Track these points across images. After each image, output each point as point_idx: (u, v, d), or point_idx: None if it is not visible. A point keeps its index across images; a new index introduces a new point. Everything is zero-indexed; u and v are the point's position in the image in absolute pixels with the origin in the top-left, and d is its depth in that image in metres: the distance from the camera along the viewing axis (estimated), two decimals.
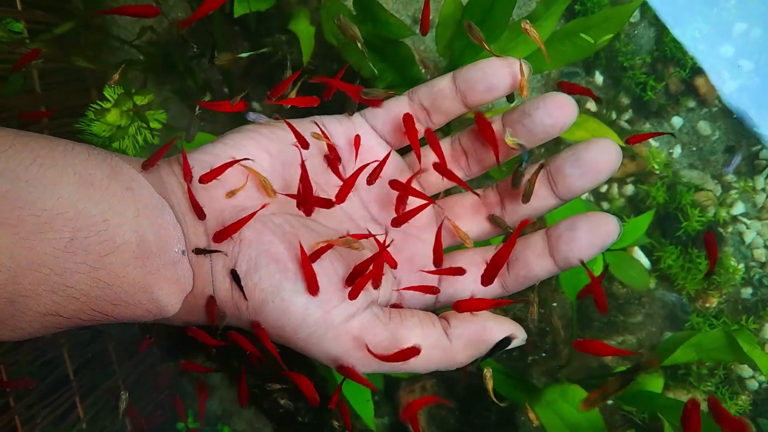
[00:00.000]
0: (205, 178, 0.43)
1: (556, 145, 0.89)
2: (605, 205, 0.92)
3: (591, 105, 0.92)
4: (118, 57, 0.85)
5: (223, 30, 0.80)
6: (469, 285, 0.47)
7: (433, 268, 0.47)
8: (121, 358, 0.85)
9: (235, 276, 0.41)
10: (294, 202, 0.45)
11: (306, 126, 0.48)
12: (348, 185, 0.45)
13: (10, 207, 0.35)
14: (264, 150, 0.46)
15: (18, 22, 0.72)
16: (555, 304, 0.90)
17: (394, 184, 0.45)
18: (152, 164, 0.43)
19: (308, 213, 0.44)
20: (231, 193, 0.44)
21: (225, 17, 0.78)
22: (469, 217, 0.49)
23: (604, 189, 0.92)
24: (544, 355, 0.89)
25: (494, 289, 0.47)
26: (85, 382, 0.80)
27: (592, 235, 0.43)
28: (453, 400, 0.90)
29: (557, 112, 0.43)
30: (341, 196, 0.44)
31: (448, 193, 0.52)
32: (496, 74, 0.45)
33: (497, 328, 0.44)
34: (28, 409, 0.71)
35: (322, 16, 0.75)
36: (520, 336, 0.45)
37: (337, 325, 0.42)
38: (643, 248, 0.90)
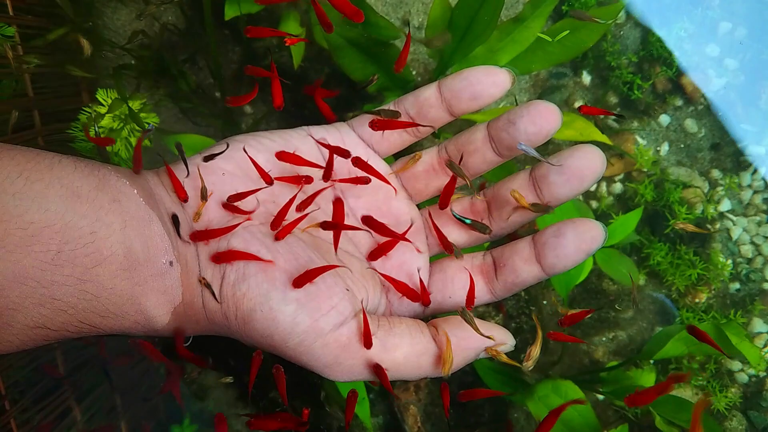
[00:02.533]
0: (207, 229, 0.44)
1: (545, 145, 0.90)
2: (594, 203, 0.93)
3: (579, 104, 0.93)
4: (111, 61, 0.85)
5: (215, 34, 0.81)
6: (458, 291, 0.48)
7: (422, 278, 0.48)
8: (115, 361, 0.85)
9: (205, 283, 0.42)
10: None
11: (295, 135, 0.49)
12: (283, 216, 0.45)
13: None
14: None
15: (10, 26, 0.72)
16: (545, 302, 0.90)
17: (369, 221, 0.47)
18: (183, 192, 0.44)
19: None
20: (196, 216, 0.44)
21: (216, 21, 0.79)
22: (455, 224, 0.50)
23: (593, 188, 0.94)
24: None
25: (483, 296, 0.47)
26: (80, 385, 0.80)
27: (578, 242, 0.43)
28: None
29: (541, 120, 0.44)
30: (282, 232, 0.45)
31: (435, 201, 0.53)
32: (480, 83, 0.45)
33: (486, 334, 0.45)
34: (23, 412, 0.71)
35: (311, 19, 0.75)
36: (508, 342, 0.46)
37: (326, 333, 0.42)
38: (632, 246, 0.91)
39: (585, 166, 0.43)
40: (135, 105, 0.74)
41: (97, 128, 0.69)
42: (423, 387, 0.90)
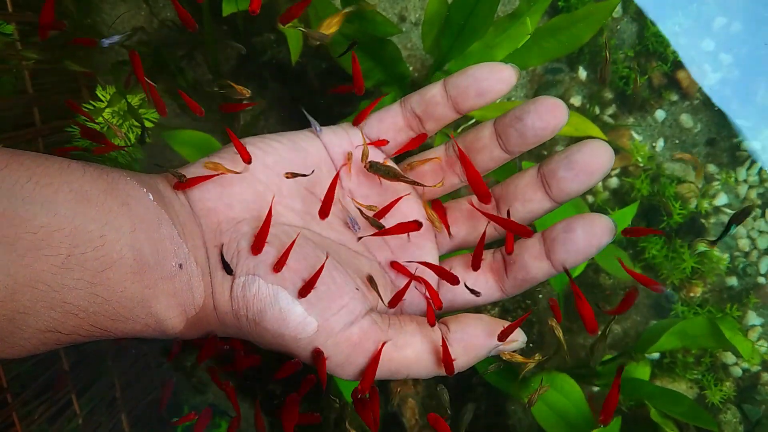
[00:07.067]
0: (179, 186, 0.44)
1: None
2: (590, 198, 0.93)
3: (575, 100, 0.94)
4: (109, 57, 0.85)
5: (213, 30, 0.81)
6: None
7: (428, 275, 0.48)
8: (117, 356, 0.85)
9: (222, 259, 0.42)
10: (290, 212, 0.46)
11: (303, 137, 0.49)
12: (328, 201, 0.45)
13: (7, 224, 0.35)
14: (260, 162, 0.46)
15: (9, 24, 0.73)
16: (541, 296, 0.91)
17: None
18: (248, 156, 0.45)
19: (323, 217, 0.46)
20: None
21: (214, 17, 0.79)
22: (465, 221, 0.50)
23: None
24: (531, 345, 0.90)
25: (494, 293, 0.48)
26: (81, 379, 0.80)
27: (588, 236, 0.43)
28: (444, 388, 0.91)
29: (548, 115, 0.44)
30: (324, 211, 0.46)
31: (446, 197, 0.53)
32: (486, 80, 0.45)
33: (497, 331, 0.45)
34: (25, 405, 0.72)
35: (310, 15, 0.76)
36: (519, 339, 0.46)
37: (336, 332, 0.42)
38: (627, 240, 0.92)
39: (593, 161, 0.43)
40: (134, 101, 0.74)
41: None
42: (421, 381, 0.90)
